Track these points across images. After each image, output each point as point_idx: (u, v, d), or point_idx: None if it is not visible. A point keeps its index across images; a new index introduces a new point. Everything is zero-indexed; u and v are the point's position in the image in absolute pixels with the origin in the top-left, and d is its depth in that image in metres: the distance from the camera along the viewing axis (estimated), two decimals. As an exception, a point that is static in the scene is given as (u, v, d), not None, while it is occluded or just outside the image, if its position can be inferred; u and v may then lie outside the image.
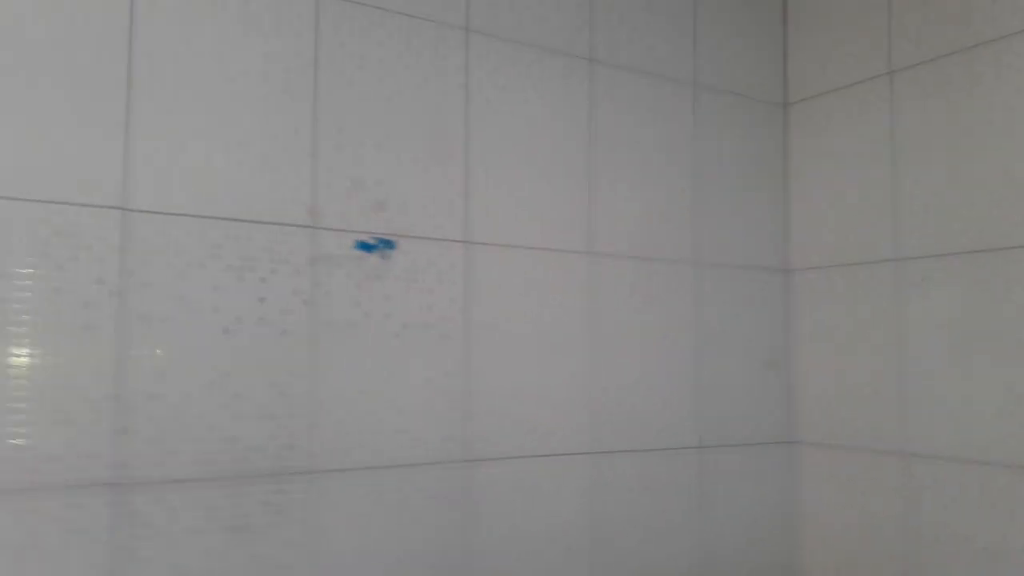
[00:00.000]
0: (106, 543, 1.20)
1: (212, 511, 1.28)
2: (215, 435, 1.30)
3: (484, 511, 1.53)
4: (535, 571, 1.59)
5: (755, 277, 1.97)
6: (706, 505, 1.83)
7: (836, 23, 1.98)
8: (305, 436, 1.38)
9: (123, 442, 1.23)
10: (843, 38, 1.95)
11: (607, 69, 1.78)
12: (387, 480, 1.43)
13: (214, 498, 1.29)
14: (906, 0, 1.82)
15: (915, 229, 1.78)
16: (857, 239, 1.89)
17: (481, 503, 1.53)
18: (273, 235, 1.38)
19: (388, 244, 1.49)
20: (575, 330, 1.69)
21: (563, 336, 1.67)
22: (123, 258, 1.25)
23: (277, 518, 1.33)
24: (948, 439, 1.69)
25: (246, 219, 1.35)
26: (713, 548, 1.83)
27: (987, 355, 1.64)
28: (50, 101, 1.21)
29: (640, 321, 1.78)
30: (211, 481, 1.29)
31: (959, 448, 1.67)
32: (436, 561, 1.48)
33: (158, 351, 1.26)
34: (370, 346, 1.44)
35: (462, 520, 1.51)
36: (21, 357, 1.17)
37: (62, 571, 1.17)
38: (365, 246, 1.46)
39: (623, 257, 1.77)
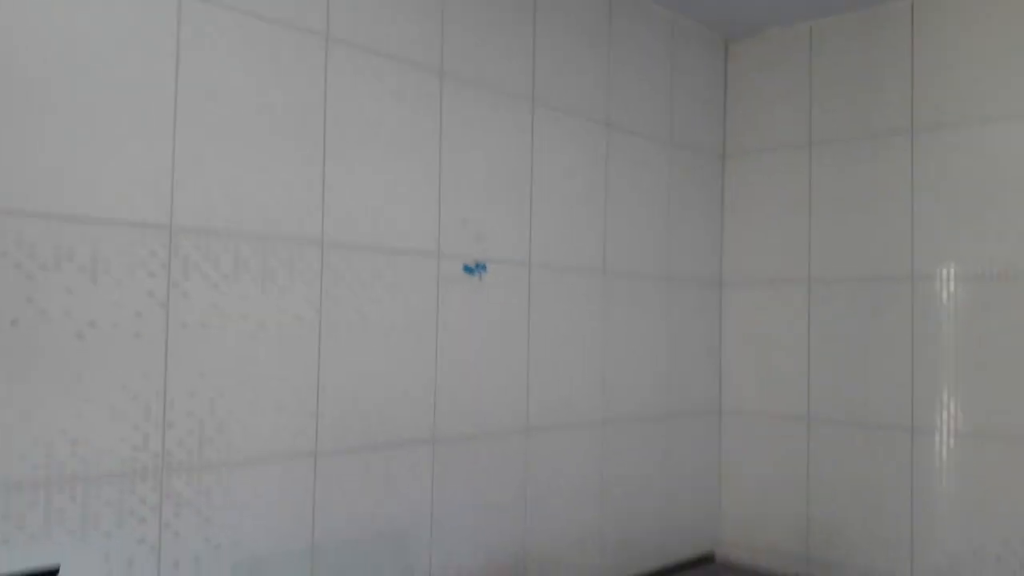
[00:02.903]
0: (314, 490, 1.64)
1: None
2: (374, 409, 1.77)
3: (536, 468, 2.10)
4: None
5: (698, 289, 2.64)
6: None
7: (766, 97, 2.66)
8: (431, 400, 1.87)
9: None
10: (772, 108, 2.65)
11: (619, 133, 2.35)
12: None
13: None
14: (822, 89, 2.53)
15: (821, 259, 2.51)
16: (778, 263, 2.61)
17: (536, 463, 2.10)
18: (415, 261, 1.84)
19: (482, 267, 1.99)
20: (592, 328, 2.27)
21: (583, 334, 2.25)
22: (323, 279, 1.68)
23: (414, 471, 1.83)
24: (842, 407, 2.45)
25: (403, 251, 1.82)
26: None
27: (875, 349, 2.39)
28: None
29: (626, 318, 2.40)
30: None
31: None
32: (506, 500, 2.03)
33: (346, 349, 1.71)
34: (469, 339, 1.95)
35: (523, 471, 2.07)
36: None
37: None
38: (468, 269, 1.96)
39: (627, 275, 2.37)
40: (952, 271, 2.26)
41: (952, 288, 2.27)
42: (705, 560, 2.64)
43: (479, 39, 1.99)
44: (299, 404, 1.66)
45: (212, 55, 1.55)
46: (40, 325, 1.34)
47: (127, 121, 1.44)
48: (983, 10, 2.24)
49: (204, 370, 1.53)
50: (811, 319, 2.54)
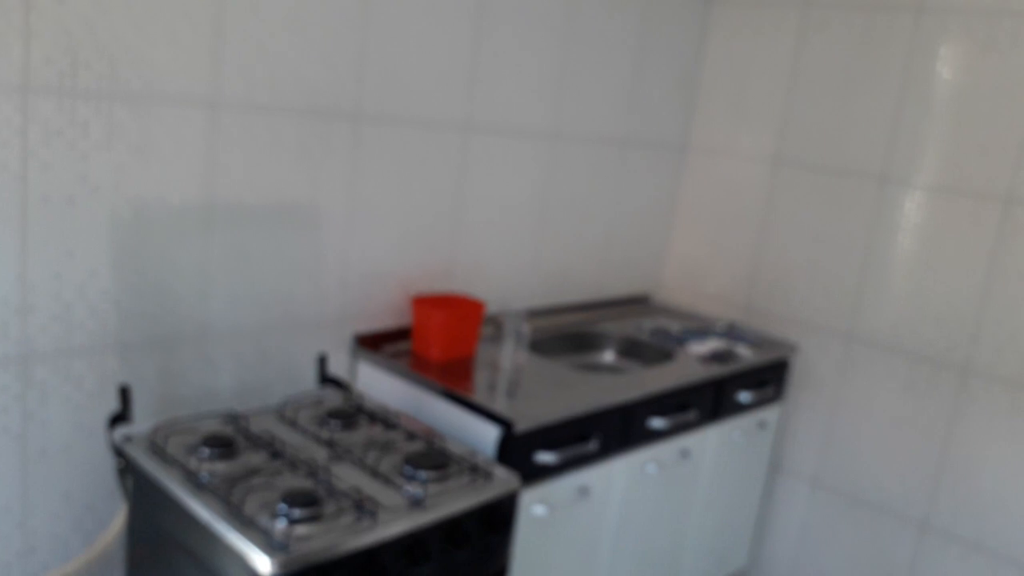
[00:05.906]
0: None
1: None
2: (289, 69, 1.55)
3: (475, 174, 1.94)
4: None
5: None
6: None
7: None
8: (355, 69, 1.66)
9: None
10: None
11: None
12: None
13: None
14: None
15: (819, -13, 2.24)
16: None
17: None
18: None
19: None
20: (554, 24, 2.02)
21: (543, 29, 2.00)
22: None
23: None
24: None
25: None
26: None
27: (861, 90, 2.19)
28: None
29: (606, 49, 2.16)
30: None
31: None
32: (437, 201, 1.87)
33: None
34: (404, 4, 1.71)
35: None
36: None
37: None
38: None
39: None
40: (963, 7, 2.01)
41: (956, 30, 2.02)
42: (639, 300, 2.58)
43: None
44: (195, 40, 1.42)
45: None
46: None
47: None
48: None
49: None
50: (799, 48, 2.30)
